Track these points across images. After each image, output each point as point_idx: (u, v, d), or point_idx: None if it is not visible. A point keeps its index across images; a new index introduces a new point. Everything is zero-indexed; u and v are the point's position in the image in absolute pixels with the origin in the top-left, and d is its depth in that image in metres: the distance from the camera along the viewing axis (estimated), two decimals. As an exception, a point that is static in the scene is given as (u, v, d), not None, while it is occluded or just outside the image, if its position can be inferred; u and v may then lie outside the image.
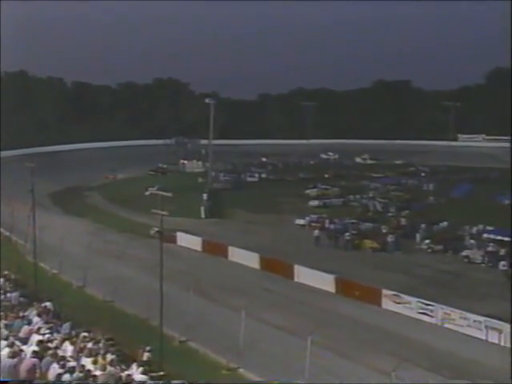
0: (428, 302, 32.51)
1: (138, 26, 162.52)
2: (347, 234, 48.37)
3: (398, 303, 33.65)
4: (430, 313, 32.15)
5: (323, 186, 72.14)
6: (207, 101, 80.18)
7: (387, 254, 45.75)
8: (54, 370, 17.92)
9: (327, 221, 53.65)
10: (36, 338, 20.40)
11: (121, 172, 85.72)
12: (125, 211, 61.84)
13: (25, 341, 20.47)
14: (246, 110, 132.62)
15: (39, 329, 21.55)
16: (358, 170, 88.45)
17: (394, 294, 34.03)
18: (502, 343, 28.79)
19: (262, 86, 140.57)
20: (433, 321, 31.94)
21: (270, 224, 56.49)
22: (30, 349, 19.25)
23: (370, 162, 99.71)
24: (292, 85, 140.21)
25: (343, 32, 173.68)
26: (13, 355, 18.09)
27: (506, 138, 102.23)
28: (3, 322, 21.87)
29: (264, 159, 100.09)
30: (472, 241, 45.99)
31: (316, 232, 49.94)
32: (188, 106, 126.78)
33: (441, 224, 51.71)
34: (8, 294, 26.69)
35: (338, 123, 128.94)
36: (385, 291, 34.49)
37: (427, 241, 47.20)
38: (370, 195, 68.01)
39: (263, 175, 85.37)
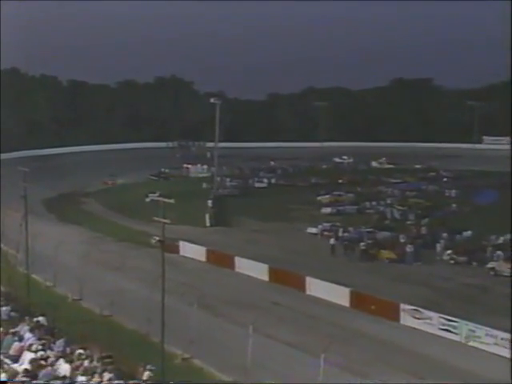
0: (451, 318, 32.27)
1: (137, 21, 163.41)
2: (362, 243, 48.29)
3: (418, 319, 33.47)
4: (452, 329, 31.90)
5: (337, 192, 72.11)
6: (212, 101, 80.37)
7: (406, 265, 45.58)
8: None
9: (341, 229, 53.57)
10: (28, 355, 20.34)
11: (120, 177, 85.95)
12: (124, 219, 61.93)
13: (16, 359, 20.45)
14: (254, 110, 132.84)
15: (31, 346, 21.49)
16: (374, 174, 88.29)
17: (414, 309, 33.86)
18: (532, 363, 28.45)
19: (271, 85, 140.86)
20: (456, 338, 31.67)
21: (280, 233, 56.46)
22: (21, 367, 19.21)
23: (387, 166, 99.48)
24: (303, 84, 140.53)
25: (357, 28, 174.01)
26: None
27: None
28: (-8, 338, 21.87)
29: (273, 163, 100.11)
30: (498, 252, 45.67)
31: (332, 240, 50.06)
32: (192, 107, 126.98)
33: (464, 233, 51.45)
34: (-2, 308, 26.71)
35: (353, 124, 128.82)
36: (403, 306, 34.33)
37: (449, 251, 46.97)
38: (388, 202, 67.89)
39: (272, 180, 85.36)
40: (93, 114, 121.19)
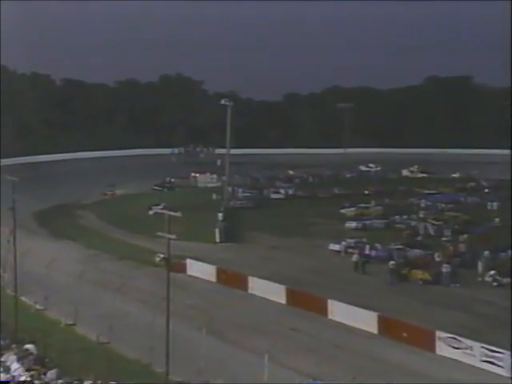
0: (494, 348, 31.84)
1: (140, 16, 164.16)
2: (392, 262, 47.93)
3: (457, 348, 33.08)
4: (496, 361, 31.47)
5: (363, 205, 71.84)
6: (223, 102, 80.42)
7: (442, 287, 45.15)
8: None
9: (367, 246, 53.23)
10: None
11: (120, 187, 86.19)
12: (124, 234, 61.98)
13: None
14: (269, 112, 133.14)
15: (19, 377, 21.34)
16: (405, 184, 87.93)
17: (451, 337, 33.46)
18: None
19: (289, 85, 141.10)
20: (501, 371, 31.26)
21: (299, 250, 56.25)
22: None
23: (420, 175, 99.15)
24: (325, 83, 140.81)
25: (385, 24, 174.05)
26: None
27: None
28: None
29: (291, 172, 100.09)
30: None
31: (354, 257, 49.87)
32: (200, 108, 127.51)
33: (509, 251, 50.94)
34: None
35: (381, 128, 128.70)
36: (439, 333, 33.94)
37: (492, 272, 46.42)
38: (420, 216, 67.46)
39: (290, 191, 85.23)
40: (90, 117, 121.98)
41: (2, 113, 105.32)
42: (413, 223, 64.23)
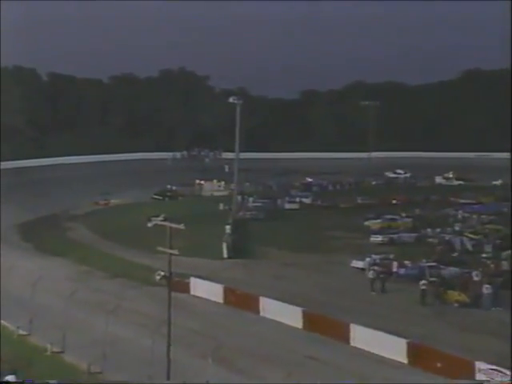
0: (541, 381, 31.53)
1: (140, 7, 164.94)
2: (423, 281, 47.70)
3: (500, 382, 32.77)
4: (543, 395, 31.17)
5: (390, 216, 71.68)
6: (232, 100, 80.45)
7: (481, 310, 44.86)
8: None
9: (395, 263, 53.06)
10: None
11: (115, 196, 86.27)
12: (120, 249, 61.98)
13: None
14: (284, 112, 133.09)
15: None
16: (438, 193, 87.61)
17: (493, 369, 33.18)
18: None
19: (306, 81, 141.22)
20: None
21: (317, 267, 56.14)
22: None
23: (455, 182, 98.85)
24: (347, 78, 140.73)
25: (414, 13, 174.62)
26: None
27: None
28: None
29: (308, 179, 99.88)
30: None
31: (371, 274, 50.11)
32: (206, 107, 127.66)
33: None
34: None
35: (411, 129, 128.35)
36: (479, 364, 33.69)
37: (539, 294, 46.11)
38: (456, 228, 67.17)
39: (307, 200, 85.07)
40: (81, 117, 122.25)
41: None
42: (447, 237, 63.83)
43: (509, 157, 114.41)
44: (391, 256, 55.30)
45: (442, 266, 51.89)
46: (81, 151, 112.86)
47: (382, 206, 78.13)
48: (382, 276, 50.06)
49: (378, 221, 70.61)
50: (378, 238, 64.23)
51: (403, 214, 72.97)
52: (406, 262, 53.27)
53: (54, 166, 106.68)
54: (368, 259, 54.75)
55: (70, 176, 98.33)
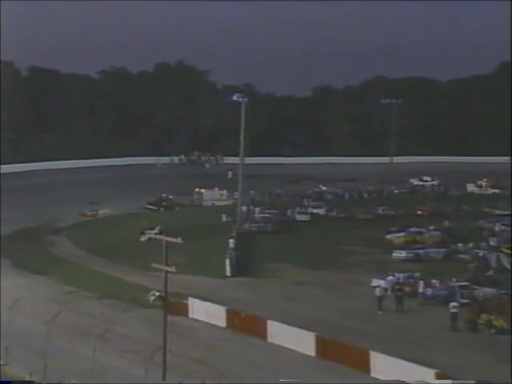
0: None
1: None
2: (454, 304, 47.54)
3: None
4: None
5: (415, 229, 71.69)
6: (236, 98, 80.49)
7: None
8: None
9: (421, 282, 52.91)
10: None
11: (104, 206, 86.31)
12: (109, 266, 61.89)
13: None
14: (295, 111, 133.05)
15: None
16: (471, 203, 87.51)
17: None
18: None
19: (319, 76, 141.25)
20: None
21: (332, 286, 56.12)
22: None
23: (490, 191, 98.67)
24: (366, 73, 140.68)
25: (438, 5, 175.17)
26: None
27: None
28: None
29: (322, 187, 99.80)
30: None
31: (377, 291, 50.27)
32: (207, 106, 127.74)
33: None
34: None
35: (439, 130, 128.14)
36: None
37: None
38: (492, 243, 67.08)
39: (321, 211, 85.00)
40: (66, 117, 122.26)
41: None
42: (482, 253, 63.68)
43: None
44: (417, 274, 55.15)
45: (475, 287, 51.70)
46: (65, 155, 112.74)
47: (406, 218, 78.14)
48: (399, 293, 50.32)
49: (402, 234, 70.58)
50: (402, 254, 64.21)
51: (430, 227, 72.91)
52: (434, 282, 53.16)
53: (35, 171, 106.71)
54: (390, 278, 54.65)
55: (53, 183, 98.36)
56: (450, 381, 34.82)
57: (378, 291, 50.79)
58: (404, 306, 49.64)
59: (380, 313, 49.38)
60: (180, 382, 31.30)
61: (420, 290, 52.09)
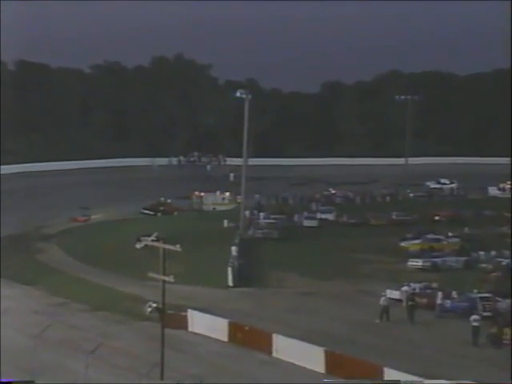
0: None
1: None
2: (475, 317, 47.43)
3: None
4: None
5: (432, 236, 71.79)
6: (239, 94, 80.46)
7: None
8: None
9: (439, 294, 52.86)
10: None
11: (96, 211, 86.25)
12: (102, 275, 61.76)
13: None
14: (303, 108, 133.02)
15: None
16: (493, 208, 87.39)
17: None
18: None
19: (329, 71, 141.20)
20: None
21: (343, 297, 56.18)
22: None
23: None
24: (379, 67, 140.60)
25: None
26: None
27: None
28: None
29: (332, 190, 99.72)
30: None
31: (382, 300, 50.48)
32: (208, 103, 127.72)
33: None
34: None
35: (458, 129, 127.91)
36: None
37: None
38: (516, 251, 66.95)
39: (330, 216, 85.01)
40: (56, 115, 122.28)
41: None
42: (505, 262, 63.68)
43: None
44: (434, 285, 55.25)
45: (498, 298, 51.63)
46: (55, 156, 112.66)
47: (423, 224, 78.28)
48: (410, 303, 50.73)
49: (418, 241, 70.72)
50: (418, 263, 64.33)
51: (449, 234, 72.97)
52: (453, 293, 53.11)
53: (22, 173, 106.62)
54: (405, 288, 54.64)
55: (42, 186, 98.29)
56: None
57: (382, 300, 50.99)
58: (420, 319, 49.62)
59: (377, 321, 49.90)
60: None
61: (438, 301, 52.00)
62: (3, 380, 17.79)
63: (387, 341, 46.17)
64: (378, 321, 50.03)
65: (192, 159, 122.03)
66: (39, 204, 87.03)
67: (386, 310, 50.38)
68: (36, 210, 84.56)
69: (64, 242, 75.29)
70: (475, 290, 53.27)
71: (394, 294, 54.79)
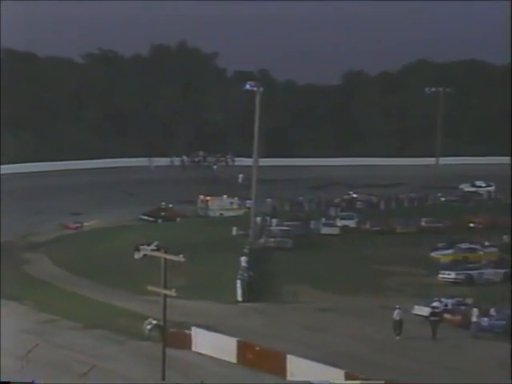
0: None
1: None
2: (517, 336, 47.57)
3: None
4: None
5: (467, 245, 71.67)
6: (249, 86, 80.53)
7: None
8: None
9: (475, 310, 52.72)
10: None
11: (90, 217, 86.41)
12: (96, 289, 61.94)
13: None
14: (320, 102, 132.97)
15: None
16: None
17: None
18: None
19: (350, 60, 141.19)
20: None
21: (364, 314, 56.14)
22: None
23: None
24: (406, 56, 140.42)
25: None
26: None
27: None
28: None
29: (353, 194, 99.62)
30: None
31: (396, 313, 50.81)
32: (213, 96, 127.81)
33: None
34: None
35: (496, 125, 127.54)
36: None
37: None
38: None
39: (351, 223, 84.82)
40: (45, 109, 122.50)
41: None
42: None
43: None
44: (469, 300, 55.21)
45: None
46: (44, 156, 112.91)
47: (456, 232, 78.14)
48: (433, 319, 51.13)
49: (450, 252, 70.71)
50: (451, 276, 64.23)
51: (486, 243, 72.78)
52: (491, 310, 53.02)
53: (8, 175, 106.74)
54: (436, 303, 54.58)
55: (30, 189, 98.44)
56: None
57: (396, 314, 51.37)
58: (453, 339, 49.91)
59: (397, 338, 50.50)
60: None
61: (473, 319, 51.92)
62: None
63: (414, 362, 46.19)
64: (397, 338, 50.64)
65: (196, 159, 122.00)
66: (26, 209, 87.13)
67: (399, 325, 50.71)
68: (23, 215, 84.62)
69: (54, 251, 75.40)
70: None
71: (423, 311, 54.80)
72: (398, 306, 52.41)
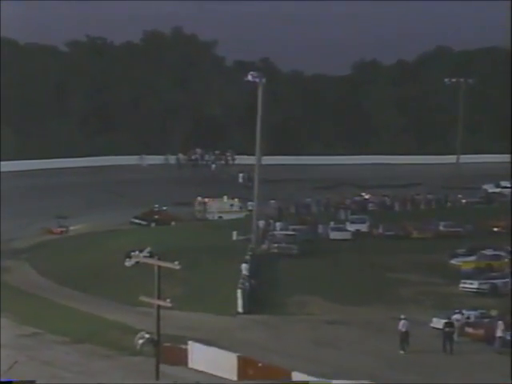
0: None
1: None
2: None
3: None
4: None
5: (491, 252, 71.43)
6: (251, 78, 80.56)
7: None
8: None
9: (500, 323, 52.50)
10: None
11: (76, 220, 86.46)
12: (83, 300, 62.05)
13: None
14: (329, 95, 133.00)
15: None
16: None
17: None
18: None
19: (361, 49, 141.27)
20: None
21: (377, 327, 56.30)
22: None
23: None
24: (423, 44, 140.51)
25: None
26: None
27: None
28: None
29: (365, 195, 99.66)
30: None
31: (401, 324, 51.05)
32: (212, 88, 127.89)
33: None
34: None
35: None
36: None
37: None
38: None
39: (363, 227, 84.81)
40: (26, 103, 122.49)
41: None
42: None
43: None
44: (493, 313, 55.19)
45: None
46: (27, 154, 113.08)
47: (479, 237, 78.11)
48: (447, 330, 51.25)
49: (472, 259, 70.42)
50: (473, 285, 64.08)
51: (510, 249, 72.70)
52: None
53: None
54: (457, 316, 54.53)
55: (11, 189, 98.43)
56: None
57: (401, 325, 51.55)
58: (476, 354, 49.97)
59: (402, 353, 50.61)
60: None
61: (498, 333, 51.77)
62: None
63: (433, 380, 46.23)
64: (401, 351, 50.80)
65: (193, 157, 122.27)
66: (7, 211, 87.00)
67: (405, 338, 50.94)
68: (3, 218, 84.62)
69: (37, 258, 75.55)
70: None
71: (442, 324, 54.70)
72: (403, 316, 52.46)
